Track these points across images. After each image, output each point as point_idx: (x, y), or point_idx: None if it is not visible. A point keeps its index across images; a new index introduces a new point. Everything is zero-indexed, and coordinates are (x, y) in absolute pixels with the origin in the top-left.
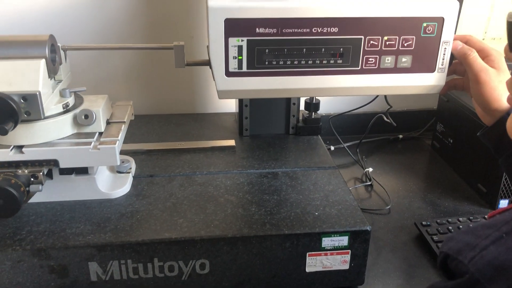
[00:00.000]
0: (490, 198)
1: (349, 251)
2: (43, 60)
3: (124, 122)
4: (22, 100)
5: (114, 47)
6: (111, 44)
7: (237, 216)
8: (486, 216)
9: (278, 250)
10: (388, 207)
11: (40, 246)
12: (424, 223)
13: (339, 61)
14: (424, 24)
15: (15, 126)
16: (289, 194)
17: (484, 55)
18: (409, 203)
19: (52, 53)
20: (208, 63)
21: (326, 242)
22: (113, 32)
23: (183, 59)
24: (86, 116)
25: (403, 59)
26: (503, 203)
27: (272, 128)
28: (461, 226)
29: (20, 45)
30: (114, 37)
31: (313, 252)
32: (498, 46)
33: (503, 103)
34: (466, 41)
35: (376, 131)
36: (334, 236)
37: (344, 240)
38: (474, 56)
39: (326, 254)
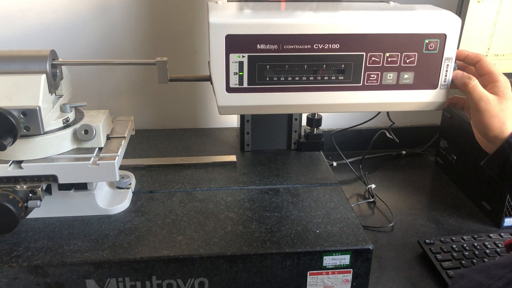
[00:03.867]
0: (495, 216)
1: (351, 270)
2: (44, 75)
3: (124, 137)
4: (21, 115)
5: (97, 63)
6: (95, 60)
7: (237, 233)
8: (502, 244)
9: (279, 269)
10: (391, 224)
11: (37, 263)
12: (427, 241)
13: (341, 77)
14: (426, 41)
15: (14, 142)
16: (290, 211)
17: (491, 80)
18: (412, 220)
19: (53, 68)
20: (194, 79)
21: (328, 260)
22: (116, 47)
23: (166, 75)
24: (86, 132)
25: (405, 76)
26: (508, 221)
27: (273, 144)
28: (465, 245)
29: (21, 60)
30: (117, 52)
31: (314, 271)
32: (501, 63)
33: (504, 130)
34: (478, 61)
35: (379, 147)
36: (335, 255)
37: (345, 259)
38: (474, 84)
39: (327, 273)
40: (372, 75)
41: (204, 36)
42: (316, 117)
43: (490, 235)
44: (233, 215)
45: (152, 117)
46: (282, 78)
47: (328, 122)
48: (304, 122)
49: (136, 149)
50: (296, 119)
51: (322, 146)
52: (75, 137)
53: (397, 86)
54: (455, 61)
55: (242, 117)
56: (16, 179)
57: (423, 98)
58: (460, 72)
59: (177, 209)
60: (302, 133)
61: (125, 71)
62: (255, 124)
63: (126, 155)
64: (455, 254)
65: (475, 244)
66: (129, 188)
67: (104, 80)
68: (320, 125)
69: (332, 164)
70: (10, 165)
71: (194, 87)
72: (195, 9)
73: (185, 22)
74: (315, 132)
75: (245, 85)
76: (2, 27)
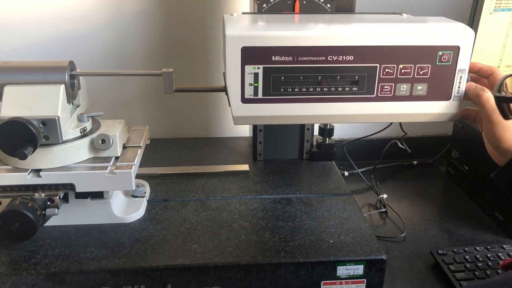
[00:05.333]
0: (508, 227)
1: (365, 280)
2: (63, 86)
3: (140, 146)
4: (41, 125)
5: (105, 73)
6: (103, 70)
7: (251, 242)
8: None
9: (292, 278)
10: (403, 234)
11: (54, 270)
12: (440, 251)
13: (354, 89)
14: (440, 53)
15: (34, 151)
16: (303, 220)
17: None
18: (425, 230)
19: (71, 78)
20: (200, 89)
21: (341, 270)
22: (130, 57)
23: (172, 85)
24: (103, 141)
25: (419, 87)
26: None
27: (286, 153)
28: (478, 256)
29: (41, 70)
30: (132, 62)
31: (328, 281)
32: None
33: None
34: (491, 74)
35: (390, 157)
36: (349, 265)
37: (359, 269)
38: (487, 96)
39: (341, 283)
40: (385, 87)
41: (217, 47)
42: (328, 127)
43: (504, 246)
44: (246, 224)
45: (165, 126)
46: (297, 89)
47: (340, 132)
48: (316, 132)
49: (149, 157)
50: (308, 129)
51: (334, 155)
52: (92, 146)
53: (411, 97)
54: (468, 73)
55: (255, 127)
56: (34, 188)
57: (436, 110)
58: (473, 83)
59: (191, 217)
60: (314, 143)
61: (139, 81)
62: (267, 134)
63: (140, 164)
64: (468, 265)
65: (489, 255)
66: (144, 197)
67: (118, 89)
68: (332, 135)
69: (344, 174)
70: (29, 173)
71: (206, 97)
72: (208, 20)
73: (199, 33)
74: (327, 142)
75: (260, 96)
76: (19, 37)
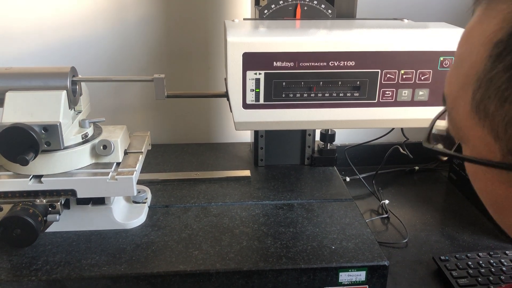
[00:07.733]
0: None
1: (367, 286)
2: (64, 92)
3: (142, 152)
4: (43, 131)
5: (100, 79)
6: (99, 76)
7: (253, 248)
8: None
9: (294, 285)
10: (405, 240)
11: (55, 276)
12: (442, 257)
13: (356, 94)
14: (441, 58)
15: (35, 157)
16: (305, 226)
17: None
18: (427, 236)
19: (73, 84)
20: (192, 95)
21: (343, 277)
22: (133, 63)
23: (164, 91)
24: (105, 147)
25: (420, 93)
26: None
27: (287, 159)
28: (481, 262)
29: (43, 76)
30: (134, 68)
31: (330, 287)
32: None
33: None
34: None
35: (392, 162)
36: (351, 271)
37: (361, 275)
38: None
39: None
40: (387, 92)
41: (218, 53)
42: (329, 133)
43: (506, 252)
44: (248, 230)
45: (167, 132)
46: (298, 95)
47: (342, 138)
48: (317, 137)
49: (151, 163)
50: (309, 135)
51: (336, 161)
52: (94, 152)
53: (412, 103)
54: None
55: (256, 132)
56: (36, 193)
57: None
58: None
59: (192, 223)
60: (316, 149)
61: (140, 87)
62: (269, 139)
63: (141, 170)
64: (471, 271)
65: (491, 261)
66: (145, 203)
67: (119, 95)
68: (333, 140)
69: (345, 180)
70: (30, 179)
71: (208, 103)
72: (209, 26)
73: (200, 39)
74: (328, 148)
75: (262, 101)
76: (21, 43)
